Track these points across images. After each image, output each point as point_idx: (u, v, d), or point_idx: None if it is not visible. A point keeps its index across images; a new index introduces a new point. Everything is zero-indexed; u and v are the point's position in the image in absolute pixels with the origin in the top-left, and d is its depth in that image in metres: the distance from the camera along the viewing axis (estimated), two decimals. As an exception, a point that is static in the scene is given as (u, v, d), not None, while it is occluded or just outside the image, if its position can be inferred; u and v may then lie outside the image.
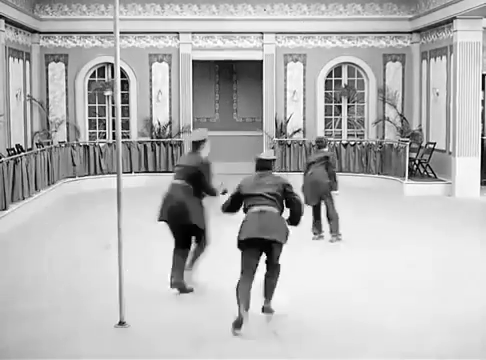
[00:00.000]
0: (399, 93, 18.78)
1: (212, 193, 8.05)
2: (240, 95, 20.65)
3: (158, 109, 18.71)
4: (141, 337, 6.62)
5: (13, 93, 16.60)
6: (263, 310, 6.94)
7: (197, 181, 8.03)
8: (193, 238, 8.10)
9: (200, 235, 8.08)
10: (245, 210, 7.01)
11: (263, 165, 7.15)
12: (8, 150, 15.62)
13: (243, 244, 6.81)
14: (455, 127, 15.65)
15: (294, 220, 7.10)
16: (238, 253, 6.92)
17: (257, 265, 6.79)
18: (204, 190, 8.08)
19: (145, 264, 9.42)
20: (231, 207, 7.27)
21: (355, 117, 19.16)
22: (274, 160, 7.31)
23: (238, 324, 6.58)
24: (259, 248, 6.78)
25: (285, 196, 6.96)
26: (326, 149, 11.15)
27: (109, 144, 17.53)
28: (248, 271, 6.75)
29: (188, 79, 18.63)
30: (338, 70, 19.00)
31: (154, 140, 18.03)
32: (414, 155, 17.01)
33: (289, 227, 6.96)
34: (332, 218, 10.85)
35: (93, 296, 7.97)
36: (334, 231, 10.87)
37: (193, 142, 8.28)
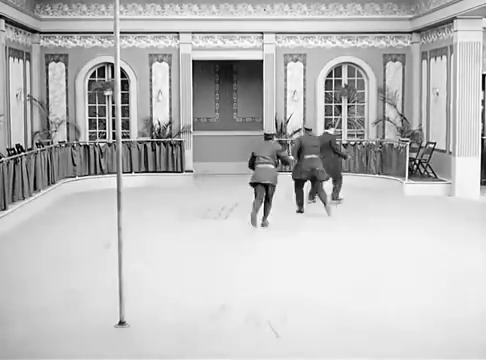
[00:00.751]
0: (399, 93, 18.78)
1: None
2: (240, 95, 20.67)
3: (158, 109, 18.71)
4: (141, 337, 6.62)
5: (13, 93, 16.60)
6: (262, 225, 11.90)
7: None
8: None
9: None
10: (254, 165, 12.02)
11: (266, 137, 12.37)
12: (8, 150, 15.62)
13: (253, 184, 11.90)
14: (455, 127, 15.65)
15: (284, 164, 13.02)
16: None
17: (262, 194, 11.85)
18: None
19: (145, 264, 9.42)
20: (252, 165, 12.09)
21: (355, 117, 19.16)
22: (274, 134, 12.97)
23: (253, 221, 11.73)
24: (262, 186, 11.82)
25: (277, 155, 12.00)
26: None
27: (109, 144, 17.53)
28: (258, 197, 11.85)
29: (188, 79, 18.64)
30: (338, 70, 19.00)
31: (154, 140, 18.02)
32: (414, 155, 17.01)
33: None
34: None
35: (93, 296, 7.97)
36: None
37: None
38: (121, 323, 6.86)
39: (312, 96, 18.78)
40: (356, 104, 19.11)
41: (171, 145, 17.86)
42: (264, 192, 11.86)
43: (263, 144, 12.26)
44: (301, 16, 18.57)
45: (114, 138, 18.01)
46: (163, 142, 17.91)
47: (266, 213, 11.96)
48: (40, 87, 18.52)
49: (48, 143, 17.27)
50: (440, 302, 7.78)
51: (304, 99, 18.86)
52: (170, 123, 18.60)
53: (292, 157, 12.88)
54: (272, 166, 11.91)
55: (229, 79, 20.66)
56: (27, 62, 17.86)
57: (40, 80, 18.51)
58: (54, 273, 9.08)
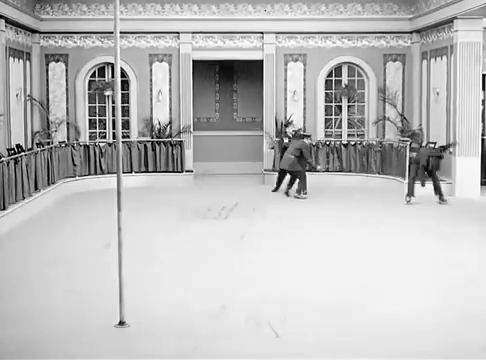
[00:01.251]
0: (399, 93, 18.78)
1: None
2: (240, 95, 20.65)
3: (158, 109, 18.71)
4: (141, 337, 6.62)
5: (13, 93, 16.59)
6: (287, 194, 15.77)
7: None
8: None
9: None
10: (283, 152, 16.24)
11: (296, 134, 16.85)
12: (8, 150, 15.61)
13: (279, 170, 16.28)
14: (455, 127, 15.65)
15: (306, 162, 15.79)
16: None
17: (282, 175, 16.11)
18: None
19: (145, 263, 9.42)
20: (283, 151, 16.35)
21: (355, 117, 19.16)
22: (306, 135, 16.20)
23: (275, 190, 16.22)
24: (284, 172, 15.96)
25: (301, 152, 15.48)
26: None
27: (109, 144, 17.53)
28: (280, 177, 16.15)
29: (188, 79, 18.63)
30: (338, 70, 18.99)
31: (154, 140, 18.02)
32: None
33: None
34: None
35: (93, 296, 7.97)
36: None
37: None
38: (121, 323, 6.86)
39: (312, 96, 18.78)
40: (356, 104, 19.10)
41: (171, 145, 17.86)
42: (284, 174, 16.05)
43: (293, 140, 16.35)
44: (301, 16, 18.56)
45: (114, 138, 18.01)
46: (163, 142, 17.91)
47: (291, 186, 15.72)
48: (40, 87, 18.51)
49: (48, 143, 17.26)
50: (440, 302, 7.78)
51: (304, 99, 18.85)
52: (170, 123, 18.59)
53: (312, 160, 16.26)
54: (293, 157, 15.52)
55: (229, 79, 20.65)
56: (27, 62, 17.85)
57: (40, 80, 18.51)
58: (54, 273, 9.08)
